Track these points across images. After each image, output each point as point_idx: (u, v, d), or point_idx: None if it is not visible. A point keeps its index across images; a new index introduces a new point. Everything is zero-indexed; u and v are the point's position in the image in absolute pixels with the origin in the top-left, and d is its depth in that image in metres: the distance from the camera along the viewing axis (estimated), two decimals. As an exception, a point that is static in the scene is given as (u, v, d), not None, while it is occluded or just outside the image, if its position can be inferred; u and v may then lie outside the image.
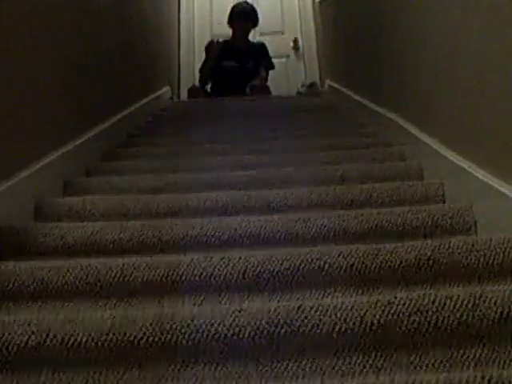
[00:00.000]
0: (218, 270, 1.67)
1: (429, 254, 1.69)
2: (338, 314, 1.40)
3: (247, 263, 1.68)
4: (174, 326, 1.39)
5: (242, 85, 5.75)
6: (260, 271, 1.68)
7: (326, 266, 1.68)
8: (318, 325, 1.39)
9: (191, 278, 1.67)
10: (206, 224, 1.97)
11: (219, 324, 1.39)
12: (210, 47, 5.87)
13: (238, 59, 5.84)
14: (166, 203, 2.23)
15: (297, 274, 1.68)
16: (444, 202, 2.23)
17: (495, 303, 1.41)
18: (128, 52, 4.04)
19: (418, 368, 1.38)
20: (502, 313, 1.40)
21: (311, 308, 1.41)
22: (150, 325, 1.39)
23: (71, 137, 2.70)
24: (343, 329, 1.38)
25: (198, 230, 1.95)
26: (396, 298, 1.43)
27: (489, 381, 1.10)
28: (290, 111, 4.45)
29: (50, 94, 2.46)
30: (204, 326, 1.39)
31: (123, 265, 1.70)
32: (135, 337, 1.39)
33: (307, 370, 1.37)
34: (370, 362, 1.38)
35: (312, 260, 1.68)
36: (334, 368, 1.37)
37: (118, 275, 1.68)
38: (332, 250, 1.71)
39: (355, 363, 1.38)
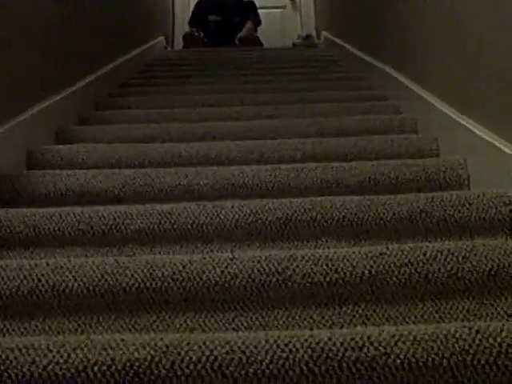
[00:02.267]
0: (211, 218, 1.67)
1: (421, 207, 1.69)
2: (330, 264, 1.40)
3: (240, 212, 1.68)
4: (165, 274, 1.39)
5: (229, 39, 5.73)
6: (252, 221, 1.68)
7: (319, 216, 1.68)
8: (309, 274, 1.39)
9: (183, 226, 1.67)
10: (199, 173, 1.96)
11: (210, 272, 1.39)
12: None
13: (223, 14, 5.82)
14: (159, 152, 2.22)
15: (289, 225, 1.68)
16: (438, 157, 2.22)
17: (485, 257, 1.41)
18: (121, 0, 3.99)
19: (407, 319, 1.38)
20: (491, 267, 1.40)
21: (303, 257, 1.41)
22: (142, 272, 1.40)
23: (63, 85, 2.68)
24: (334, 279, 1.39)
25: (191, 179, 1.94)
26: (388, 249, 1.43)
27: (476, 332, 1.11)
28: (284, 62, 4.42)
29: (40, 42, 2.43)
30: (195, 274, 1.39)
31: (115, 213, 1.70)
32: (127, 284, 1.39)
33: (297, 318, 1.38)
34: (360, 312, 1.39)
35: (305, 210, 1.68)
36: (323, 317, 1.38)
37: (110, 223, 1.68)
38: (325, 201, 1.71)
39: (345, 313, 1.39)
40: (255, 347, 1.09)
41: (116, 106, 3.13)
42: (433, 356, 1.09)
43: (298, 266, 1.40)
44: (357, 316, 1.39)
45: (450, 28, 2.27)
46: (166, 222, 1.67)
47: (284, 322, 1.38)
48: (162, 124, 2.63)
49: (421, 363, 1.09)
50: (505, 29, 1.79)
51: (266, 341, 1.10)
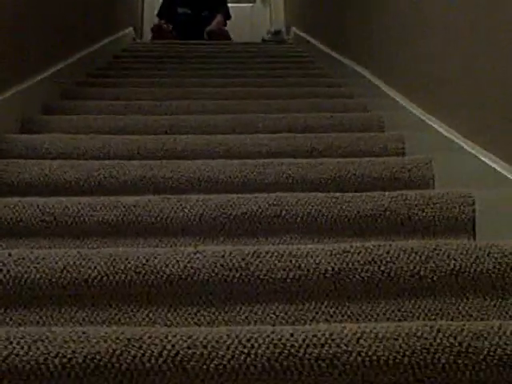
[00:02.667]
0: (175, 212, 1.67)
1: (386, 205, 1.70)
2: (293, 261, 1.40)
3: (204, 207, 1.68)
4: (128, 267, 1.38)
5: (198, 32, 5.71)
6: (217, 215, 1.67)
7: (283, 212, 1.68)
8: (272, 270, 1.39)
9: (147, 219, 1.67)
10: (164, 166, 1.95)
11: (173, 266, 1.39)
12: None
13: (193, 6, 5.80)
14: (125, 144, 2.21)
15: (253, 220, 1.68)
16: (404, 155, 2.24)
17: (448, 257, 1.42)
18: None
19: (369, 317, 1.39)
20: (454, 267, 1.41)
21: (267, 253, 1.41)
22: (105, 264, 1.39)
23: (29, 74, 2.65)
24: (297, 275, 1.39)
25: (156, 172, 1.93)
26: (351, 247, 1.44)
27: (438, 331, 1.12)
28: (252, 58, 4.42)
29: (5, 27, 2.40)
30: (158, 268, 1.39)
31: (79, 204, 1.69)
32: (89, 276, 1.38)
33: (260, 314, 1.38)
34: (323, 309, 1.39)
35: (269, 206, 1.68)
36: (286, 314, 1.38)
37: (73, 214, 1.67)
38: (290, 197, 1.71)
39: (308, 310, 1.39)
40: (217, 342, 1.09)
41: (83, 96, 3.10)
42: (394, 354, 1.09)
43: (261, 262, 1.40)
44: (320, 313, 1.39)
45: (415, 24, 2.29)
46: (130, 215, 1.66)
47: (247, 317, 1.38)
48: (128, 116, 2.61)
49: (382, 361, 1.09)
50: (471, 28, 1.80)
51: (228, 336, 1.10)
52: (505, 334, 1.12)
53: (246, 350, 1.08)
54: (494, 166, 1.63)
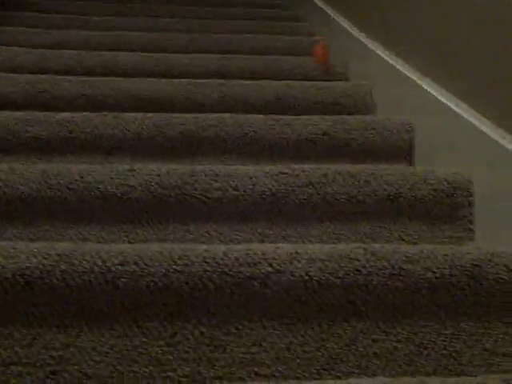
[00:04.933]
0: (112, 129, 1.63)
1: (325, 129, 1.69)
2: (230, 181, 1.39)
3: (142, 125, 1.65)
4: (61, 183, 1.35)
5: None
6: (154, 134, 1.65)
7: (222, 133, 1.66)
8: (208, 190, 1.38)
9: (83, 136, 1.63)
10: (103, 84, 1.90)
11: (108, 183, 1.36)
12: None
13: None
14: (63, 59, 2.15)
15: (191, 140, 1.66)
16: (347, 81, 2.22)
17: (385, 182, 1.43)
18: None
19: (304, 239, 1.39)
20: (390, 191, 1.42)
21: (203, 173, 1.39)
22: (37, 180, 1.35)
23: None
24: (234, 196, 1.38)
25: (94, 89, 1.89)
26: (289, 169, 1.43)
27: (371, 253, 1.12)
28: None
29: None
30: (92, 184, 1.36)
31: (13, 118, 1.64)
32: (22, 192, 1.35)
33: (194, 234, 1.37)
34: (259, 230, 1.39)
35: (209, 127, 1.66)
36: (221, 234, 1.38)
37: (6, 128, 1.62)
38: (229, 119, 1.69)
39: (243, 231, 1.38)
40: (150, 259, 1.08)
41: (21, 8, 3.00)
42: (327, 275, 1.10)
43: (197, 181, 1.38)
44: (255, 234, 1.39)
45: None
46: (64, 131, 1.62)
47: (182, 236, 1.37)
48: (71, 30, 2.53)
49: (315, 282, 1.09)
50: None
51: (160, 253, 1.09)
52: (436, 258, 1.13)
53: (178, 268, 1.07)
54: (435, 94, 1.63)
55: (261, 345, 1.08)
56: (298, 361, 1.08)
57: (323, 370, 1.08)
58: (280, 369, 1.07)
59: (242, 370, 1.07)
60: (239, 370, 1.07)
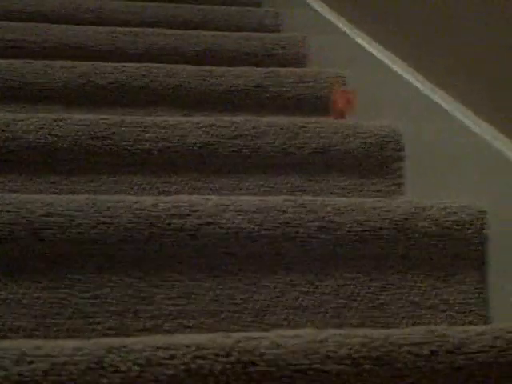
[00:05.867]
0: (38, 77, 1.59)
1: (257, 81, 1.68)
2: (159, 132, 1.37)
3: (70, 73, 1.61)
4: (-15, 132, 1.32)
5: None
6: (82, 83, 1.61)
7: (152, 83, 1.63)
8: (138, 140, 1.35)
9: (8, 83, 1.59)
10: (30, 30, 1.85)
11: (35, 132, 1.33)
12: None
13: None
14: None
15: (121, 90, 1.63)
16: (280, 32, 2.20)
17: (316, 134, 1.42)
18: None
19: (235, 191, 1.38)
20: (321, 144, 1.41)
21: (132, 123, 1.37)
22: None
23: None
24: (163, 147, 1.36)
25: (20, 35, 1.83)
26: (219, 120, 1.41)
27: (300, 205, 1.12)
28: None
29: None
30: (19, 134, 1.32)
31: None
32: None
33: (123, 185, 1.35)
34: (188, 182, 1.37)
35: (138, 76, 1.63)
36: (151, 185, 1.36)
37: None
38: (160, 68, 1.66)
39: (172, 182, 1.37)
40: (76, 211, 1.06)
41: None
42: (255, 227, 1.09)
43: (126, 132, 1.35)
44: (185, 186, 1.37)
45: None
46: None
47: (111, 187, 1.35)
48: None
49: (244, 234, 1.09)
50: None
51: (87, 204, 1.07)
52: (365, 210, 1.14)
53: (106, 220, 1.06)
54: (368, 47, 1.62)
55: (189, 297, 1.07)
56: (226, 313, 1.08)
57: (251, 322, 1.08)
58: (208, 321, 1.07)
59: (170, 322, 1.06)
60: (166, 322, 1.06)
